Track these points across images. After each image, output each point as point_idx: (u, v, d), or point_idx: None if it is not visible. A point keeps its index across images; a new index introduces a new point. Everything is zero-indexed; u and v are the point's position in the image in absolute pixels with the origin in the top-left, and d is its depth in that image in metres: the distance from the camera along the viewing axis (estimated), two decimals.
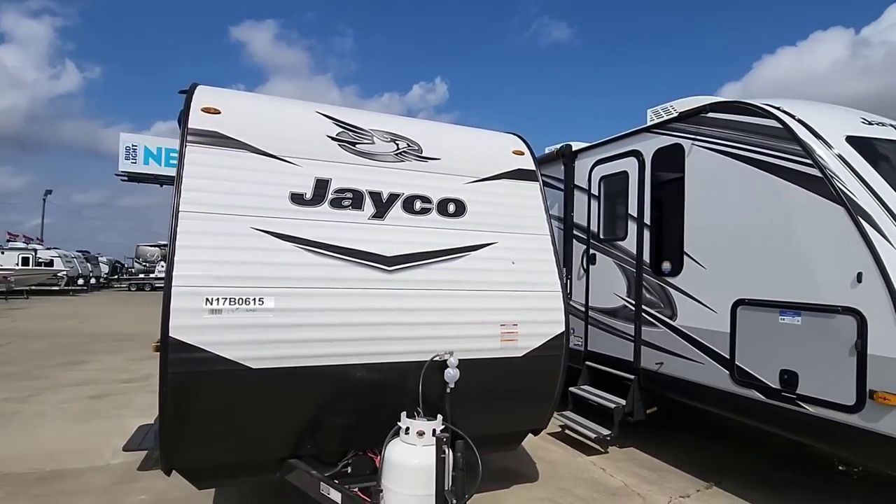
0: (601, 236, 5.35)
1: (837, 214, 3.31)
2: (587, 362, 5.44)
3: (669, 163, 4.57)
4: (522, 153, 4.02)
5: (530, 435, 3.96)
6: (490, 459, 3.80)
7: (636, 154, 4.92)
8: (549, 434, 5.16)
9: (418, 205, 3.42)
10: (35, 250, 29.85)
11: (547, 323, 3.51)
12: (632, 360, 4.83)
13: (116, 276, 38.23)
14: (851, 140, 3.65)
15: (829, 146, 3.55)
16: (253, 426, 2.93)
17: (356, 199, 3.27)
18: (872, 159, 3.57)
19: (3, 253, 28.33)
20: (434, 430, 2.58)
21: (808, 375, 3.40)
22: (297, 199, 3.13)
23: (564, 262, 5.58)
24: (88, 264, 34.73)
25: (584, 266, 5.52)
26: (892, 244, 3.17)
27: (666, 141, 4.61)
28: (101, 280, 36.43)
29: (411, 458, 2.51)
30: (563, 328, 3.54)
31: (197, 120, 3.09)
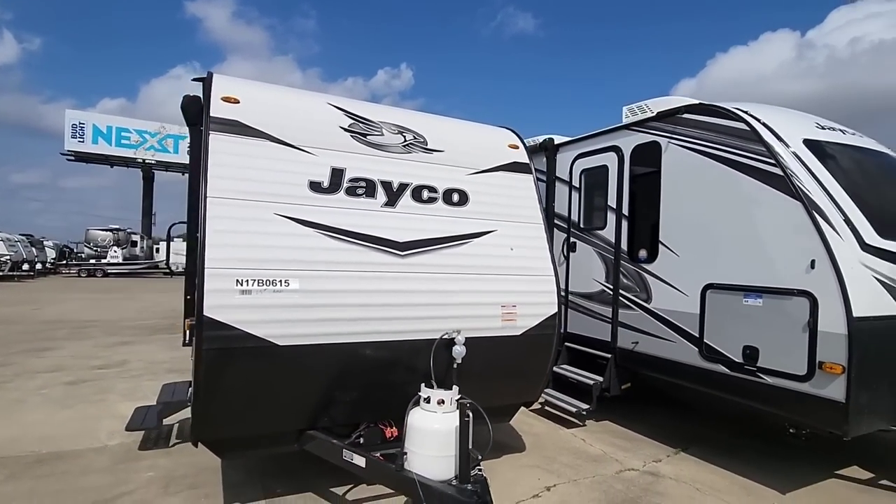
0: (581, 225, 5.73)
1: (795, 208, 3.76)
2: (566, 343, 5.83)
3: (647, 158, 4.96)
4: (517, 147, 4.31)
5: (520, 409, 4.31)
6: (481, 431, 4.12)
7: (616, 149, 5.30)
8: (531, 411, 5.53)
9: (425, 194, 3.66)
10: None
11: (542, 304, 3.84)
12: (609, 340, 5.25)
13: (65, 262, 36.38)
14: (808, 143, 4.12)
15: (789, 147, 4.01)
16: (277, 400, 3.12)
17: (369, 188, 3.47)
18: (825, 160, 4.05)
19: None
20: (452, 399, 2.85)
21: (767, 350, 3.86)
22: (315, 187, 3.31)
23: None
24: (33, 248, 32.93)
25: (565, 253, 5.89)
26: (840, 235, 3.65)
27: (644, 138, 5.00)
28: (48, 265, 34.63)
29: (433, 423, 2.78)
30: (556, 309, 3.88)
31: (218, 109, 3.21)
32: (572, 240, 5.82)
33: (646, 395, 5.90)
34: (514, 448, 4.66)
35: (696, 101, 4.82)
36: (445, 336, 3.38)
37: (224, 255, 2.88)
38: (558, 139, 6.14)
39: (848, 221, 3.74)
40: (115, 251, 36.22)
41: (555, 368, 5.69)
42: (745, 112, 4.22)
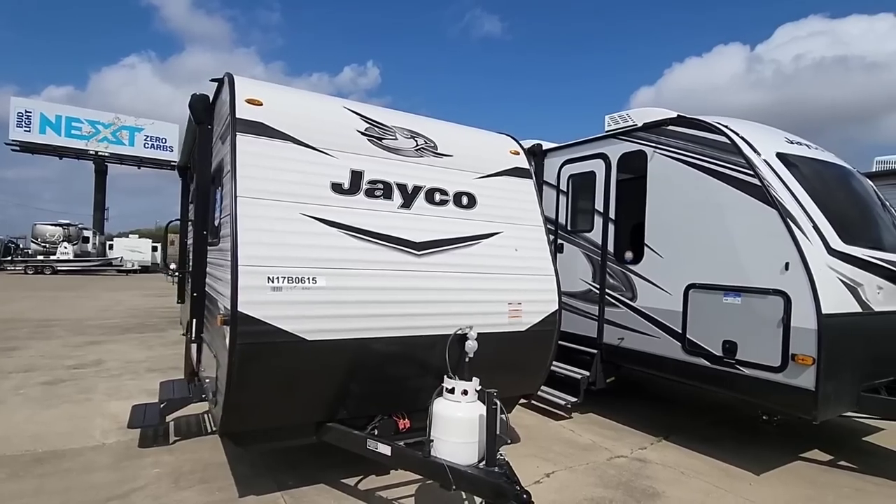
0: (568, 228, 6.02)
1: (771, 216, 4.14)
2: None
3: (633, 166, 5.29)
4: (518, 153, 4.54)
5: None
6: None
7: (603, 157, 5.62)
8: (518, 404, 5.78)
9: (437, 196, 3.84)
10: None
11: (544, 302, 4.09)
12: (595, 336, 5.56)
13: (10, 258, 34.40)
14: (780, 156, 4.53)
15: (765, 160, 4.40)
16: (302, 393, 3.23)
17: (386, 190, 3.62)
18: (795, 172, 4.46)
19: None
20: (473, 390, 3.04)
21: (745, 344, 4.24)
22: (336, 188, 3.43)
23: None
24: None
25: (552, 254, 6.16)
26: (809, 241, 4.05)
27: (631, 147, 5.33)
28: None
29: (458, 412, 2.96)
30: (556, 307, 4.13)
31: (243, 111, 3.29)
32: (559, 241, 6.10)
33: (625, 389, 6.27)
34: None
35: (677, 114, 5.19)
36: (459, 332, 3.57)
37: (256, 253, 2.98)
38: (546, 145, 6.42)
39: (816, 228, 4.15)
40: (66, 247, 34.55)
41: None
42: (726, 126, 4.60)
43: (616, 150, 5.50)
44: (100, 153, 43.18)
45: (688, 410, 6.05)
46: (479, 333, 3.61)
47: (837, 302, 3.95)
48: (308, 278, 3.10)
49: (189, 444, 4.57)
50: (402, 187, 3.69)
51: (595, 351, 5.54)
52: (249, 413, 3.11)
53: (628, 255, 5.33)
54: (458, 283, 3.70)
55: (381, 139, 3.77)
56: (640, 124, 5.31)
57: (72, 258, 34.51)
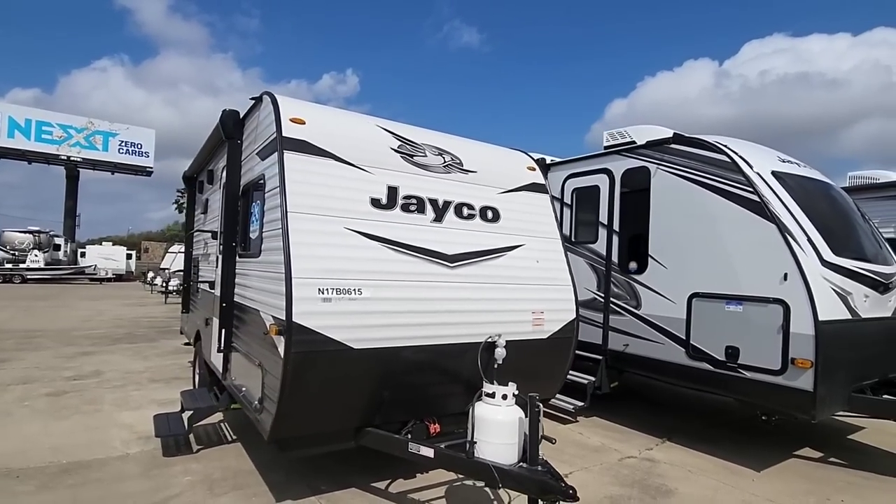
0: (573, 239, 6.29)
1: (770, 229, 4.47)
2: None
3: (636, 181, 5.60)
4: (534, 169, 4.79)
5: None
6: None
7: (607, 172, 5.92)
8: None
9: (465, 211, 4.04)
10: None
11: (564, 311, 4.32)
12: (600, 343, 5.81)
13: None
14: (775, 174, 4.88)
15: (763, 178, 4.74)
16: (347, 399, 3.38)
17: (420, 205, 3.81)
18: (789, 189, 4.82)
19: None
20: (511, 394, 3.24)
21: (747, 349, 4.54)
22: (375, 203, 3.61)
23: None
24: None
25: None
26: (805, 253, 4.39)
27: (634, 163, 5.64)
28: None
29: (498, 415, 3.14)
30: (574, 315, 4.37)
31: (289, 129, 3.45)
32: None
33: (625, 394, 6.54)
34: None
35: (674, 132, 5.52)
36: (489, 340, 3.77)
37: (308, 266, 3.13)
38: (549, 159, 6.69)
39: (810, 241, 4.50)
40: (36, 255, 33.47)
41: None
42: (726, 146, 4.93)
43: (620, 165, 5.80)
44: (72, 158, 42.06)
45: (686, 413, 6.36)
46: (506, 341, 3.83)
47: (831, 309, 4.28)
48: (354, 290, 3.26)
49: (212, 452, 4.63)
50: (433, 202, 3.88)
51: (600, 357, 5.80)
52: (299, 419, 3.24)
53: (632, 265, 5.61)
54: (487, 293, 3.90)
55: (412, 156, 3.96)
56: (643, 142, 5.62)
57: (42, 266, 33.46)
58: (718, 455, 4.90)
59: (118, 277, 39.00)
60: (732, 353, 4.63)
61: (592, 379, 5.73)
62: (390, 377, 3.49)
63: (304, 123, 3.53)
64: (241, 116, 4.39)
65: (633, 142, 5.99)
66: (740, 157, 4.84)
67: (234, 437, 4.97)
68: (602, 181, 5.97)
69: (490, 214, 4.17)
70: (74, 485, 3.90)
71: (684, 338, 4.99)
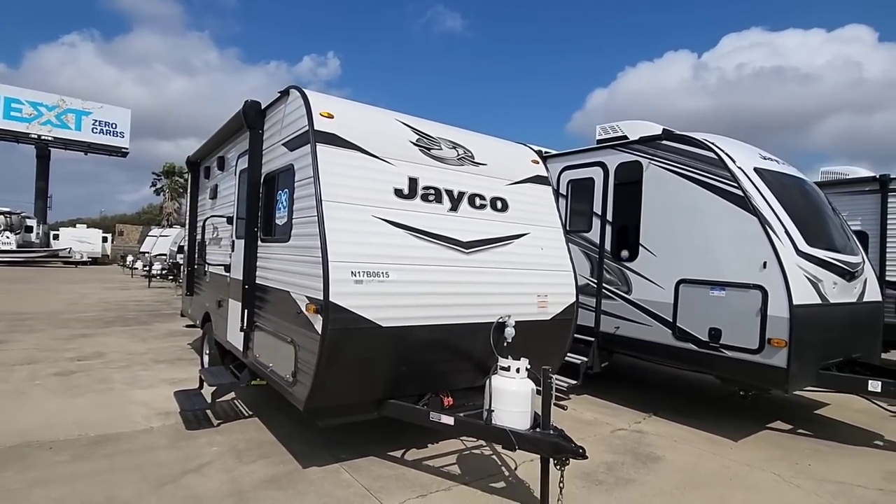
0: (568, 228, 6.63)
1: (752, 222, 4.89)
2: None
3: (629, 174, 5.97)
4: (538, 162, 5.10)
5: None
6: None
7: (602, 165, 6.28)
8: None
9: (478, 201, 4.35)
10: None
11: (565, 294, 4.68)
12: (593, 326, 6.22)
13: None
14: (756, 170, 5.30)
15: (746, 174, 5.15)
16: (374, 373, 3.69)
17: (437, 195, 4.10)
18: (769, 184, 5.24)
19: None
20: (524, 368, 3.59)
21: (729, 330, 4.98)
22: (398, 193, 3.88)
23: None
24: None
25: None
26: (782, 243, 4.82)
27: (628, 157, 6.01)
28: None
29: (513, 386, 3.48)
30: (574, 298, 4.74)
31: (320, 123, 3.68)
32: None
33: (612, 374, 6.99)
34: None
35: (663, 129, 5.91)
36: (500, 320, 4.11)
37: (342, 251, 3.40)
38: (546, 151, 7.02)
39: (787, 232, 4.94)
40: (8, 237, 32.63)
41: None
42: (713, 143, 5.32)
43: (614, 159, 6.16)
44: (43, 137, 40.80)
45: (668, 390, 6.85)
46: (515, 322, 4.17)
47: (804, 295, 4.74)
48: (382, 273, 3.55)
49: (233, 426, 4.90)
50: (449, 193, 4.17)
51: (592, 339, 6.20)
52: (332, 390, 3.53)
53: (624, 253, 6.01)
54: (498, 277, 4.23)
55: (429, 149, 4.24)
56: (636, 137, 5.99)
57: (14, 249, 32.64)
58: (700, 427, 5.37)
59: (94, 261, 38.27)
60: (715, 334, 5.06)
61: (585, 359, 6.13)
62: (411, 353, 3.81)
63: (332, 118, 3.77)
64: (263, 107, 4.59)
65: (625, 136, 6.36)
66: (726, 153, 5.24)
67: (251, 413, 5.24)
68: (597, 174, 6.33)
69: (499, 205, 4.48)
70: (108, 455, 4.13)
71: (671, 320, 5.42)
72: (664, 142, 5.67)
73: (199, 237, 7.14)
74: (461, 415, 3.71)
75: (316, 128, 3.65)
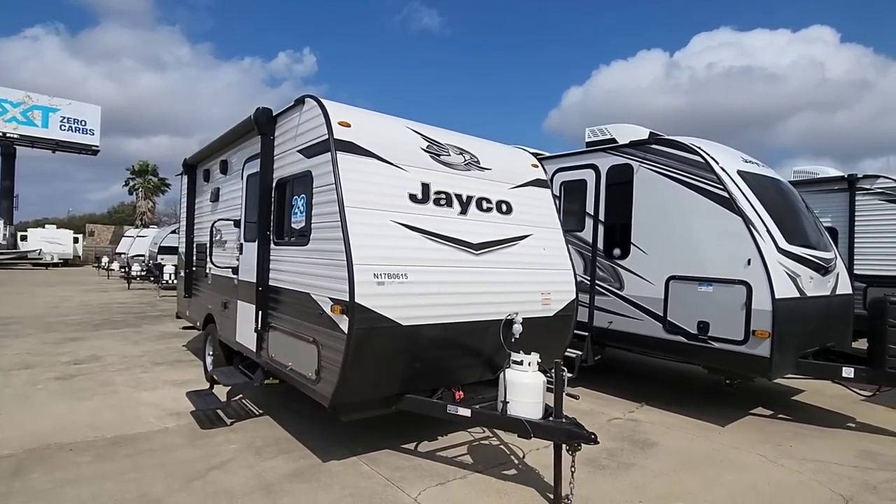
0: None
1: (737, 221, 5.23)
2: None
3: (621, 176, 6.28)
4: (537, 166, 5.35)
5: None
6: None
7: (594, 167, 6.57)
8: None
9: (485, 204, 4.57)
10: None
11: (566, 292, 4.95)
12: (587, 321, 6.51)
13: None
14: (740, 173, 5.66)
15: (730, 176, 5.50)
16: (393, 369, 3.88)
17: (448, 199, 4.31)
18: (751, 186, 5.60)
19: None
20: (535, 362, 3.83)
21: (716, 323, 5.32)
22: (412, 198, 4.08)
23: None
24: None
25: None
26: (765, 241, 5.17)
27: (619, 160, 6.31)
28: None
29: (526, 379, 3.73)
30: (574, 295, 5.01)
31: (339, 132, 3.85)
32: None
33: (602, 367, 7.31)
34: None
35: (650, 132, 6.24)
36: (508, 317, 4.35)
37: (364, 254, 3.58)
38: (539, 154, 7.27)
39: (768, 231, 5.30)
40: None
41: None
42: (700, 148, 5.66)
43: (605, 162, 6.46)
44: (8, 135, 39.45)
45: (657, 382, 7.21)
46: (522, 318, 4.41)
47: (784, 289, 5.10)
48: (401, 274, 3.75)
49: (245, 424, 5.03)
50: (458, 197, 4.39)
51: (586, 333, 6.50)
52: (355, 386, 3.71)
53: (616, 251, 6.31)
54: (506, 277, 4.46)
55: (439, 155, 4.44)
56: (626, 141, 6.30)
57: None
58: (689, 414, 5.72)
59: (65, 262, 37.27)
60: (703, 326, 5.40)
61: (580, 353, 6.43)
62: (428, 350, 4.01)
63: (349, 126, 3.94)
64: (274, 114, 4.72)
65: (614, 139, 6.68)
66: (712, 157, 5.58)
67: (261, 412, 5.37)
68: (589, 175, 6.62)
69: (504, 207, 4.71)
70: (130, 454, 4.23)
71: (662, 315, 5.75)
72: (653, 145, 5.98)
73: (198, 239, 7.20)
74: (477, 406, 3.93)
75: (336, 136, 3.82)
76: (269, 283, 4.69)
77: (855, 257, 8.59)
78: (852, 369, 5.23)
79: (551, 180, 7.06)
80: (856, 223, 8.66)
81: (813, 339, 5.64)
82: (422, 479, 3.93)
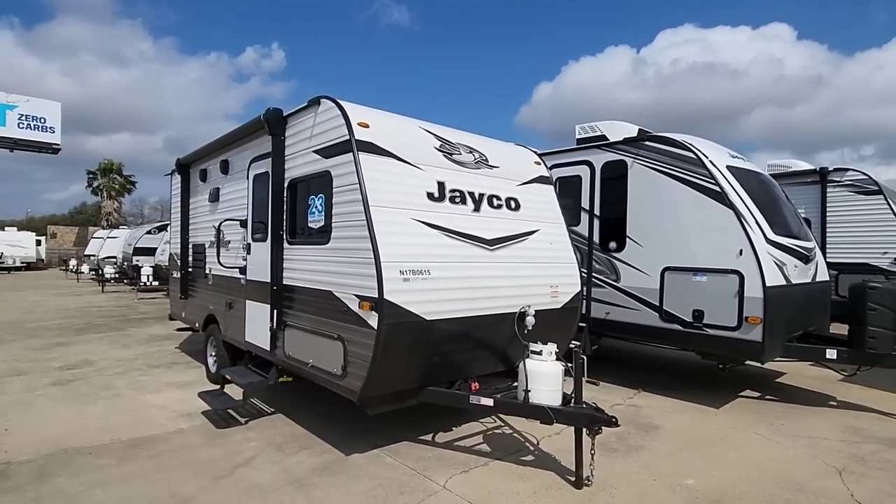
0: None
1: (728, 214, 5.52)
2: None
3: (615, 172, 6.51)
4: (540, 163, 5.53)
5: None
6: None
7: (588, 164, 6.79)
8: None
9: (495, 201, 4.72)
10: None
11: (572, 284, 5.14)
12: (584, 312, 6.74)
13: None
14: (729, 168, 5.95)
15: (720, 171, 5.78)
16: (417, 362, 4.00)
17: (462, 197, 4.44)
18: (740, 180, 5.90)
19: None
20: (553, 351, 4.01)
21: (710, 311, 5.61)
22: (430, 196, 4.19)
23: None
24: None
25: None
26: (755, 233, 5.47)
27: (613, 157, 6.55)
28: None
29: (545, 368, 3.90)
30: (579, 288, 5.21)
31: (359, 133, 3.94)
32: None
33: (598, 358, 7.58)
34: None
35: (639, 129, 6.51)
36: (521, 310, 4.51)
37: (390, 252, 3.68)
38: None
39: (757, 223, 5.60)
40: None
41: None
42: (692, 144, 5.93)
43: (600, 158, 6.69)
44: None
45: (651, 369, 7.52)
46: (534, 311, 4.59)
47: (773, 277, 5.41)
48: (424, 270, 3.86)
49: (260, 423, 5.07)
50: (471, 194, 4.52)
51: (583, 324, 6.72)
52: (384, 380, 3.82)
53: (612, 244, 6.56)
54: (518, 271, 4.63)
55: (451, 154, 4.57)
56: (620, 138, 6.54)
57: None
58: (684, 399, 6.01)
59: (27, 266, 35.89)
60: (698, 315, 5.69)
61: (578, 343, 6.64)
62: (448, 343, 4.15)
63: (368, 127, 4.02)
64: (285, 115, 4.76)
65: (604, 136, 6.93)
66: (703, 153, 5.86)
67: (273, 410, 5.41)
68: (584, 171, 6.84)
69: (513, 204, 4.87)
70: (151, 456, 4.24)
71: (658, 304, 6.01)
72: (646, 142, 6.23)
73: (195, 240, 7.14)
74: (498, 396, 4.09)
75: (357, 137, 3.90)
76: (284, 283, 4.74)
77: (827, 246, 9.08)
78: (835, 351, 5.60)
79: None
80: (827, 214, 9.16)
81: (798, 324, 5.99)
82: (445, 467, 4.07)
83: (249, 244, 5.43)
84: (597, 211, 6.73)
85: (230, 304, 5.87)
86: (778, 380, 7.07)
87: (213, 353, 6.51)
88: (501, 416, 5.22)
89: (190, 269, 7.28)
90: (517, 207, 4.90)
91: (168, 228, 18.84)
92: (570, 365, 3.85)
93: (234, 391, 5.35)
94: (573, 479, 3.83)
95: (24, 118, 41.60)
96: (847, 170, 9.21)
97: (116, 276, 20.91)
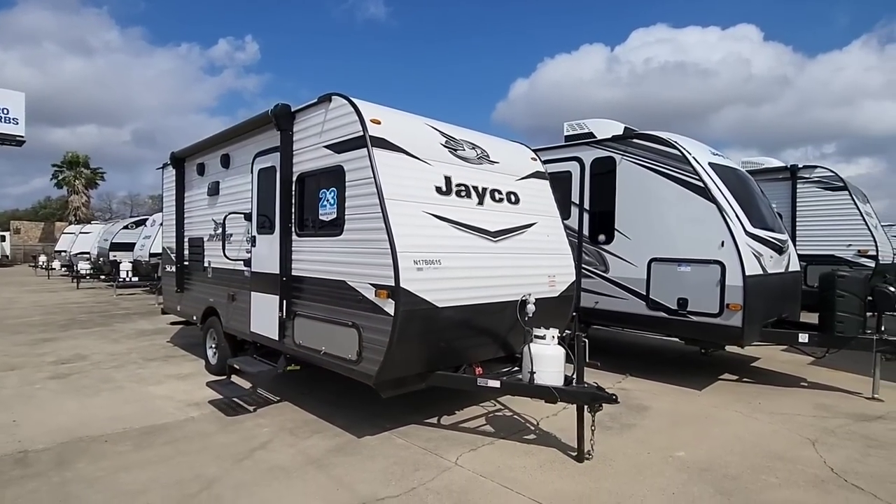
0: None
1: (711, 208, 5.89)
2: None
3: (604, 168, 6.83)
4: (536, 159, 5.79)
5: None
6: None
7: (578, 160, 7.09)
8: None
9: (497, 195, 4.96)
10: None
11: (568, 274, 5.43)
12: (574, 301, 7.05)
13: None
14: (711, 164, 6.32)
15: (703, 168, 6.15)
16: (428, 348, 4.22)
17: (467, 191, 4.66)
18: (721, 176, 6.28)
19: None
20: (555, 336, 4.28)
21: (694, 299, 5.98)
22: (438, 190, 4.41)
23: None
24: None
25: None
26: (735, 226, 5.85)
27: (602, 153, 6.86)
28: None
29: (549, 351, 4.17)
30: (574, 277, 5.50)
31: (372, 129, 4.12)
32: None
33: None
34: None
35: (624, 126, 6.83)
36: (522, 298, 4.77)
37: (405, 242, 3.88)
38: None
39: (737, 216, 5.98)
40: None
41: None
42: (677, 142, 6.28)
43: (589, 155, 7.00)
44: None
45: (634, 356, 7.89)
46: (535, 299, 4.85)
47: (752, 267, 5.80)
48: (436, 260, 4.08)
49: (269, 410, 5.21)
50: (475, 188, 4.75)
51: (574, 313, 7.03)
52: (398, 364, 4.02)
53: (601, 237, 6.88)
54: (519, 261, 4.88)
55: (455, 150, 4.78)
56: (608, 136, 6.85)
57: None
58: (668, 382, 6.38)
59: None
60: (683, 303, 6.05)
61: (567, 331, 6.96)
62: (456, 329, 4.38)
63: (380, 123, 4.21)
64: (293, 110, 4.90)
65: (591, 133, 7.25)
66: (687, 150, 6.21)
67: (279, 398, 5.56)
68: (573, 167, 7.14)
69: (513, 198, 5.12)
70: (168, 442, 4.36)
71: (645, 294, 6.36)
72: (634, 139, 6.56)
73: (191, 234, 7.19)
74: (504, 378, 4.34)
75: (371, 133, 4.08)
76: (293, 273, 4.89)
77: (797, 239, 9.62)
78: (807, 335, 6.03)
79: None
80: (797, 208, 9.70)
81: (773, 310, 6.42)
82: (454, 446, 4.31)
83: (255, 237, 5.55)
84: (586, 205, 7.04)
85: (232, 296, 5.97)
86: (753, 364, 7.52)
87: (213, 345, 6.60)
88: (500, 400, 5.49)
89: (186, 263, 7.32)
90: (517, 201, 5.15)
91: (146, 223, 18.59)
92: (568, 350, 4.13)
93: (240, 381, 5.48)
94: (574, 453, 4.12)
95: None
96: (816, 167, 9.76)
97: (91, 272, 20.48)
